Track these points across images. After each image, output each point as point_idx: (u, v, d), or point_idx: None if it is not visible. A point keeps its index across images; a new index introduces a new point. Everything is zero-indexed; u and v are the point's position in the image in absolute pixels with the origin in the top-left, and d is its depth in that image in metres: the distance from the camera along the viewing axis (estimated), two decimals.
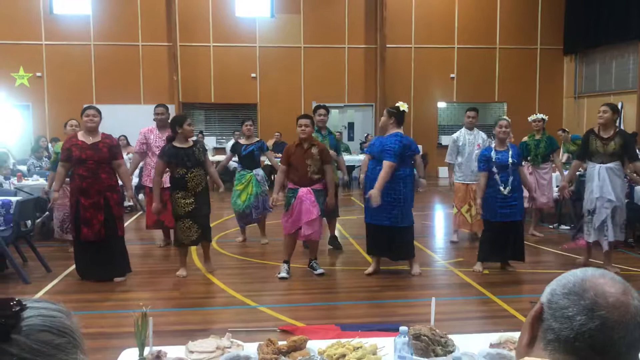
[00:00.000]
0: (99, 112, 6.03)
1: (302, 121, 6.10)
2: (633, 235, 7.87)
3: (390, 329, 4.32)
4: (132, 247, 8.04)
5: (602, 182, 6.06)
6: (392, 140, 5.87)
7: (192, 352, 2.21)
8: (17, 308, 0.81)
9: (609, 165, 6.07)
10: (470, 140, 7.76)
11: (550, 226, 9.02)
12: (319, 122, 7.22)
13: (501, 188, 6.07)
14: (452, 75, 17.23)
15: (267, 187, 7.78)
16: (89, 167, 5.83)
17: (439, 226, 9.59)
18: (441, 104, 17.57)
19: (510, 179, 6.09)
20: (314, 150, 6.02)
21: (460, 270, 6.42)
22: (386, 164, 5.79)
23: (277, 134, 14.97)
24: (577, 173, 8.79)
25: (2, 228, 6.23)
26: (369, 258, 6.98)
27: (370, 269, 6.23)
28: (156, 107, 7.45)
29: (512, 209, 6.10)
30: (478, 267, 6.31)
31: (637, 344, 1.02)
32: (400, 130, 6.03)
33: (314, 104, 15.99)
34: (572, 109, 17.26)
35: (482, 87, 17.13)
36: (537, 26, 17.32)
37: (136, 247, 8.06)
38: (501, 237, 6.16)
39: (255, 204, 7.43)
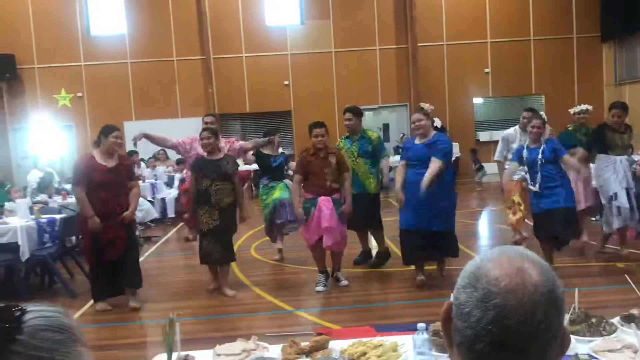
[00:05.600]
0: None
1: (318, 131, 5.79)
2: None
3: None
4: (174, 257, 8.28)
5: (624, 173, 6.28)
6: (445, 139, 5.74)
7: (219, 355, 2.29)
8: (19, 312, 0.89)
9: (625, 156, 6.40)
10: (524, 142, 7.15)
11: (593, 218, 8.77)
12: (347, 128, 6.73)
13: (531, 186, 5.87)
14: (486, 70, 17.01)
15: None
16: (112, 190, 5.48)
17: (482, 225, 9.49)
18: (477, 100, 17.37)
19: (538, 176, 5.76)
20: (332, 159, 5.80)
21: None
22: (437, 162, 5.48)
23: None
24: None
25: (48, 245, 6.50)
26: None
27: (423, 276, 5.85)
28: (205, 116, 7.13)
29: (550, 197, 5.72)
30: None
31: (543, 326, 0.88)
32: None
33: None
34: (613, 96, 16.79)
35: (518, 80, 16.85)
36: (572, 14, 16.95)
37: (179, 257, 8.27)
38: (549, 226, 5.76)
39: (280, 210, 6.90)
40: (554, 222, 5.71)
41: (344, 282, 5.96)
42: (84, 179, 5.43)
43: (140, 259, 6.38)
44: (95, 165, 5.44)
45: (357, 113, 6.68)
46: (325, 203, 5.69)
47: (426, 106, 5.98)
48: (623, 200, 6.20)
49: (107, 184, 5.44)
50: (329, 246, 5.74)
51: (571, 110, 7.59)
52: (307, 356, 2.19)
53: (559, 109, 15.88)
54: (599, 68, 17.22)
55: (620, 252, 6.52)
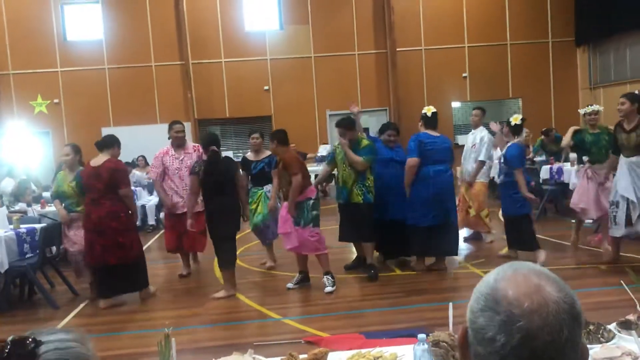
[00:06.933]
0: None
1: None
2: None
3: (415, 334, 4.31)
4: (156, 265, 8.16)
5: (625, 177, 5.83)
6: (410, 141, 6.52)
7: None
8: (33, 345, 0.85)
9: (632, 159, 5.80)
10: (469, 140, 7.85)
11: (572, 220, 8.87)
12: None
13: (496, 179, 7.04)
14: (464, 75, 17.16)
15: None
16: None
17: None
18: (455, 104, 17.51)
19: (501, 177, 6.72)
20: (281, 165, 6.16)
21: (483, 271, 6.39)
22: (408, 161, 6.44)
23: (291, 145, 15.00)
24: None
25: (28, 255, 6.36)
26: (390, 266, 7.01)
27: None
28: (176, 124, 7.10)
29: (508, 203, 6.66)
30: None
31: (569, 344, 0.86)
32: (429, 131, 6.57)
33: (328, 113, 15.96)
34: (588, 100, 17.07)
35: (495, 84, 17.04)
36: (547, 19, 17.19)
37: (159, 265, 8.16)
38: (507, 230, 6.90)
39: (271, 220, 6.90)
40: (509, 228, 6.77)
41: (327, 289, 5.92)
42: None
43: None
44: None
45: (345, 126, 6.47)
46: (282, 209, 6.12)
47: (429, 110, 6.58)
48: (620, 213, 5.88)
49: None
50: (288, 249, 6.15)
51: (581, 111, 7.52)
52: None
53: (536, 112, 16.13)
54: (574, 72, 17.48)
55: (603, 258, 6.38)
